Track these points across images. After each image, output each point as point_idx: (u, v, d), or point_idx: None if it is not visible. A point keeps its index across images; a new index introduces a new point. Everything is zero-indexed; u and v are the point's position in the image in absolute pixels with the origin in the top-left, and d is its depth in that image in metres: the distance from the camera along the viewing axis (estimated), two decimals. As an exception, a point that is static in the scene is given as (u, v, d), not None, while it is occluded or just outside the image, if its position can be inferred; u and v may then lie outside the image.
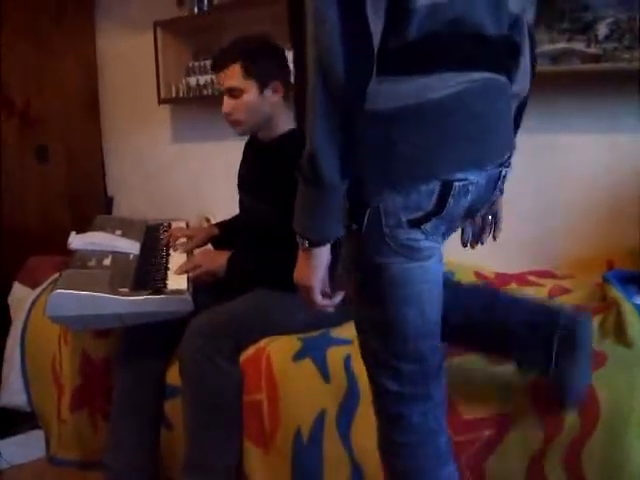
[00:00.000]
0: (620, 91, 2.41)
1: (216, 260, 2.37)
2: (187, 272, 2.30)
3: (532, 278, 2.46)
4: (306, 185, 1.27)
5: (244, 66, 2.25)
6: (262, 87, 2.28)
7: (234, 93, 2.29)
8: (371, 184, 1.29)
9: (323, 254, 1.34)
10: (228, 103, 2.31)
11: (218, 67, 2.32)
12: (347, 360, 2.01)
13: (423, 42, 1.26)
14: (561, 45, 2.45)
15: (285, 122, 2.37)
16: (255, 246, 2.39)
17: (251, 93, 2.27)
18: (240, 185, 2.57)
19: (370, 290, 1.40)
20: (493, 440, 1.75)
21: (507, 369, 1.80)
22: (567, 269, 2.53)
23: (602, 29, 2.38)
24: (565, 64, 2.45)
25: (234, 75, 2.26)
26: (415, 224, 1.32)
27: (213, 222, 3.31)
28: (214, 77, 3.28)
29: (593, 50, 2.39)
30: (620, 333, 1.92)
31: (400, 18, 1.22)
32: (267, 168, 2.39)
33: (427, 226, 1.33)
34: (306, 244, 1.33)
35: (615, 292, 2.08)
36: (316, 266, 1.35)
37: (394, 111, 1.26)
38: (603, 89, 2.45)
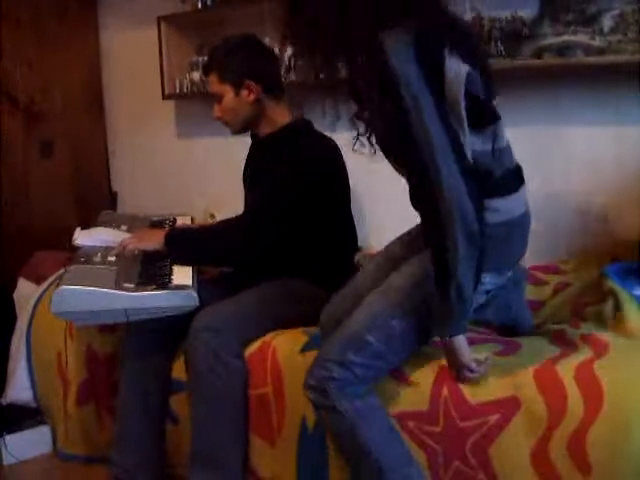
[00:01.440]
0: (625, 83, 2.40)
1: (148, 238, 2.41)
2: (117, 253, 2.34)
3: (538, 274, 2.46)
4: (451, 304, 1.67)
5: (218, 73, 2.40)
6: (237, 89, 2.39)
7: (217, 98, 2.43)
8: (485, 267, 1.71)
9: (463, 338, 1.75)
10: (216, 108, 2.45)
11: (203, 73, 2.55)
12: None
13: (514, 170, 1.85)
14: (565, 37, 2.44)
15: (281, 117, 2.45)
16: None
17: (229, 96, 2.40)
18: (244, 182, 2.61)
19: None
20: (499, 424, 1.76)
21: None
22: (573, 262, 2.52)
23: (607, 21, 2.37)
24: (569, 57, 2.44)
25: (213, 83, 2.42)
26: (488, 292, 1.84)
27: (218, 217, 3.32)
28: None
29: (598, 42, 2.38)
30: (620, 325, 1.93)
31: (500, 155, 1.77)
32: (265, 164, 2.44)
33: (492, 292, 1.86)
34: (453, 340, 1.73)
35: (613, 284, 2.08)
36: (465, 348, 1.75)
37: (499, 224, 1.75)
38: (608, 81, 2.44)
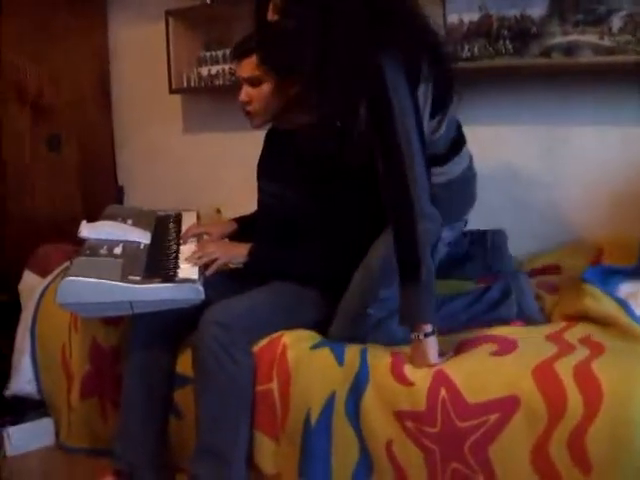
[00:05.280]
0: (633, 84, 2.40)
1: (234, 251, 2.35)
2: (203, 265, 2.26)
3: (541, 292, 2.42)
4: (422, 287, 1.90)
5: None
6: (280, 80, 2.29)
7: (253, 82, 2.30)
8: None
9: (435, 340, 1.94)
10: (246, 91, 2.32)
11: (239, 55, 2.34)
12: (364, 350, 2.04)
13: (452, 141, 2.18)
14: (574, 37, 2.44)
15: (304, 110, 2.37)
16: (279, 236, 2.37)
17: (269, 85, 2.29)
18: (265, 176, 2.54)
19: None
20: (499, 424, 1.76)
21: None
22: (577, 259, 2.51)
23: (616, 21, 2.37)
24: (578, 56, 2.44)
25: (255, 65, 2.28)
26: (449, 244, 2.21)
27: (224, 213, 3.32)
28: (226, 67, 3.28)
29: (606, 43, 2.38)
30: (609, 328, 1.95)
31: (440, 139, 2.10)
32: (297, 156, 2.34)
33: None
34: (425, 341, 1.91)
35: (593, 289, 2.10)
36: (434, 350, 1.93)
37: (442, 184, 2.10)
38: (616, 81, 2.44)
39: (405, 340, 2.01)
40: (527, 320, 2.17)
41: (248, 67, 2.31)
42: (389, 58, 1.88)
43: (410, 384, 1.90)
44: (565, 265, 2.50)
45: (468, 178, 2.25)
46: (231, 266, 2.33)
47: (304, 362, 2.08)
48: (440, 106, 2.06)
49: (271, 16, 2.08)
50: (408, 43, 1.93)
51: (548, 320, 2.18)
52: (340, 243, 2.29)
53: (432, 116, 2.04)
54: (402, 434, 1.89)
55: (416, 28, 2.02)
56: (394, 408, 1.91)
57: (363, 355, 2.02)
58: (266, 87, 2.30)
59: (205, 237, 2.50)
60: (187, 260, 2.27)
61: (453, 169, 2.18)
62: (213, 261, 2.28)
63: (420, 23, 2.06)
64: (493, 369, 1.84)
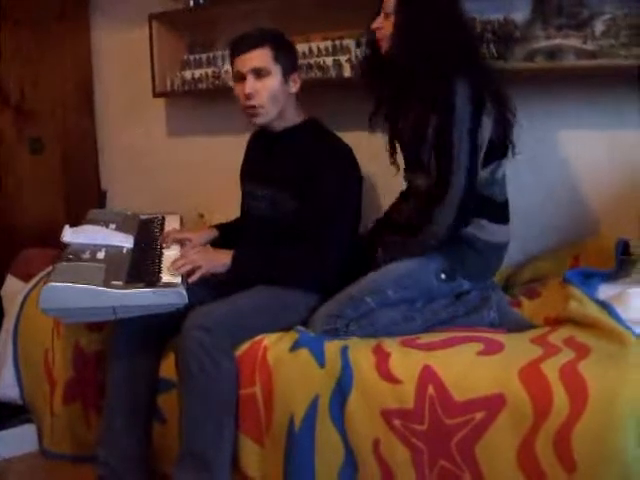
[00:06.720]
0: (616, 87, 2.41)
1: (216, 259, 2.32)
2: (186, 273, 2.22)
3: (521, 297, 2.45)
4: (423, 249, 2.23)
5: (274, 50, 2.30)
6: (286, 76, 2.33)
7: (261, 73, 2.30)
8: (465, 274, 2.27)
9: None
10: (252, 84, 2.30)
11: (246, 47, 2.32)
12: (344, 349, 2.03)
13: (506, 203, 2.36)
14: (557, 41, 2.45)
15: (295, 113, 2.41)
16: (265, 239, 2.38)
17: (276, 79, 2.31)
18: (252, 179, 2.54)
19: None
20: (485, 422, 1.78)
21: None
22: (555, 267, 2.52)
23: (599, 25, 2.38)
24: (561, 60, 2.45)
25: (264, 56, 2.30)
26: (458, 295, 2.29)
27: (207, 217, 3.31)
28: (209, 71, 3.27)
29: (589, 46, 2.39)
30: (592, 329, 1.96)
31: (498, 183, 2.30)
32: (288, 158, 2.38)
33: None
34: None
35: (575, 290, 2.13)
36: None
37: (490, 244, 2.26)
38: (599, 85, 2.45)
39: (385, 330, 2.12)
40: (509, 329, 2.17)
41: (257, 58, 2.30)
42: (460, 85, 2.11)
43: (397, 382, 1.91)
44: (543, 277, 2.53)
45: (505, 252, 2.34)
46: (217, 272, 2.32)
47: (284, 365, 2.08)
48: (497, 152, 2.22)
49: (379, 23, 2.24)
50: (476, 77, 2.16)
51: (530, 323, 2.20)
52: (327, 247, 2.30)
53: (485, 165, 2.20)
54: (389, 433, 1.91)
55: (485, 69, 2.28)
56: (381, 407, 1.92)
57: (344, 355, 2.01)
58: (271, 80, 2.31)
59: (187, 244, 2.48)
60: (169, 269, 2.24)
61: (505, 235, 2.31)
62: (196, 269, 2.26)
63: (487, 66, 2.35)
64: (480, 368, 1.86)
